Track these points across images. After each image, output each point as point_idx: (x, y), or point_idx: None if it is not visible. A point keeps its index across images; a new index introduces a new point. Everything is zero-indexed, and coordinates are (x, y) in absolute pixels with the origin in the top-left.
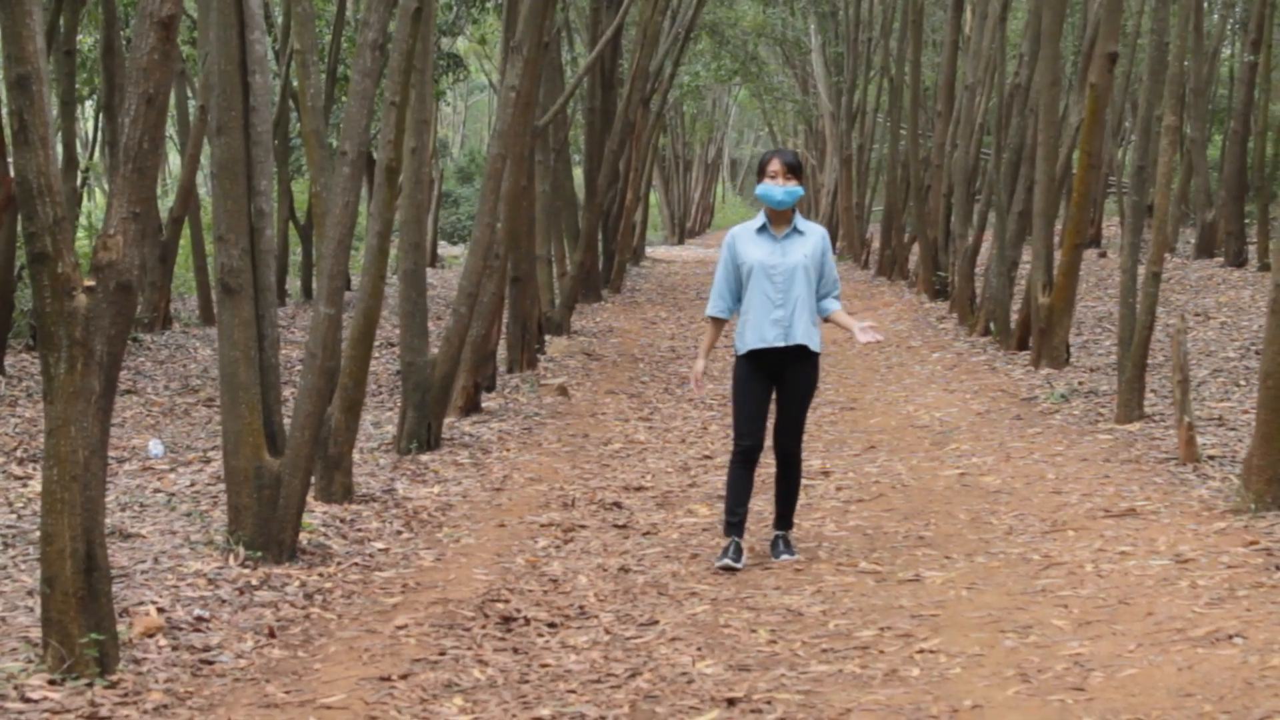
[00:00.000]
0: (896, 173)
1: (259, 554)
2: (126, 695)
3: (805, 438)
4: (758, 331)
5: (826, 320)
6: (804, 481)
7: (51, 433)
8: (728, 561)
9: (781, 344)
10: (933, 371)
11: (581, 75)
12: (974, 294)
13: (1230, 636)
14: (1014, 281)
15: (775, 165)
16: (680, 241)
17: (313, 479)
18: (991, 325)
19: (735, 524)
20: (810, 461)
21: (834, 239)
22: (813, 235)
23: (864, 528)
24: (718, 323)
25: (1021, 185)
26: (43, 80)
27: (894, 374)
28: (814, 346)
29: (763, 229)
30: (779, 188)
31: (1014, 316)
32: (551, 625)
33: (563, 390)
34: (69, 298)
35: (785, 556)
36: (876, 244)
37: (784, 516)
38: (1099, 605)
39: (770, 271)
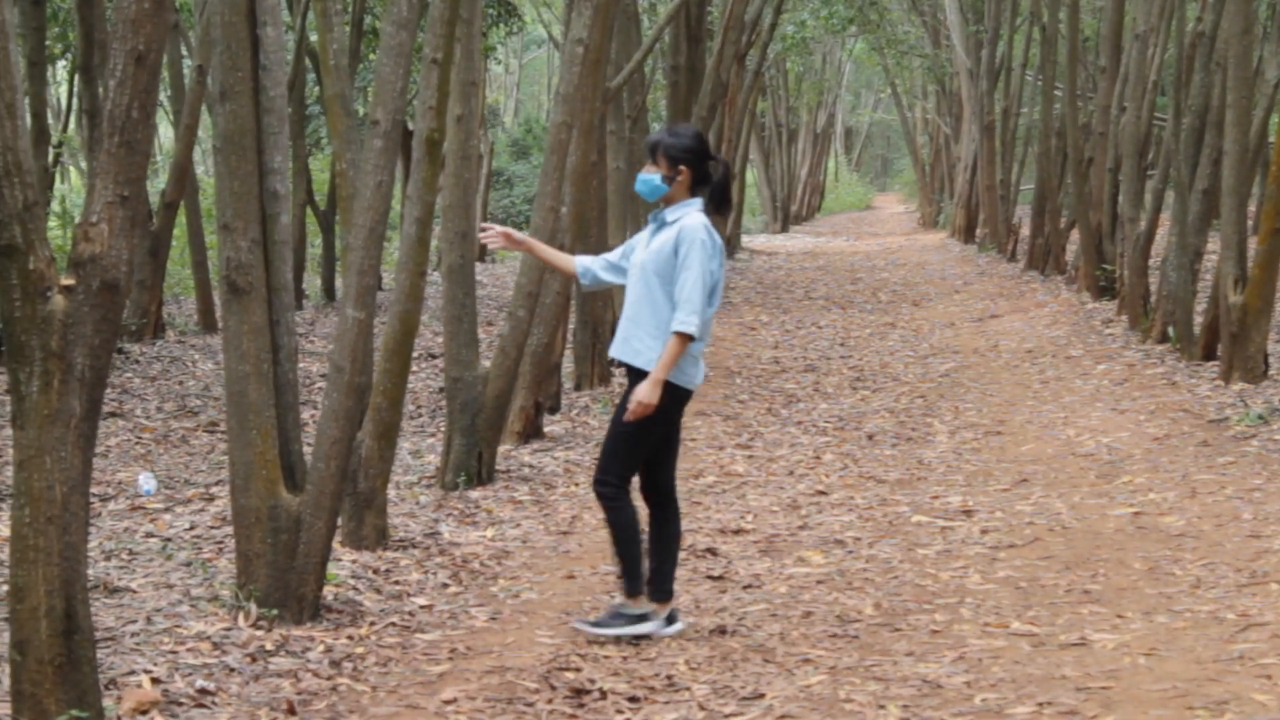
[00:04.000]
0: (1050, 143)
1: (274, 612)
2: None
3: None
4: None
5: None
6: (941, 523)
7: (22, 465)
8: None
9: (615, 354)
10: (1098, 387)
11: (663, 26)
12: (1148, 291)
13: None
14: (1198, 276)
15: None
16: (784, 229)
17: (340, 520)
18: (1170, 330)
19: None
20: (949, 498)
21: (974, 222)
22: (675, 228)
23: (1016, 579)
24: (575, 262)
25: (1207, 157)
26: (8, 35)
27: (1050, 390)
28: (636, 362)
29: (655, 218)
30: (640, 175)
31: (1198, 319)
32: (633, 699)
33: None
34: (43, 300)
35: (585, 624)
36: (1026, 230)
37: (620, 572)
38: None
39: (630, 268)
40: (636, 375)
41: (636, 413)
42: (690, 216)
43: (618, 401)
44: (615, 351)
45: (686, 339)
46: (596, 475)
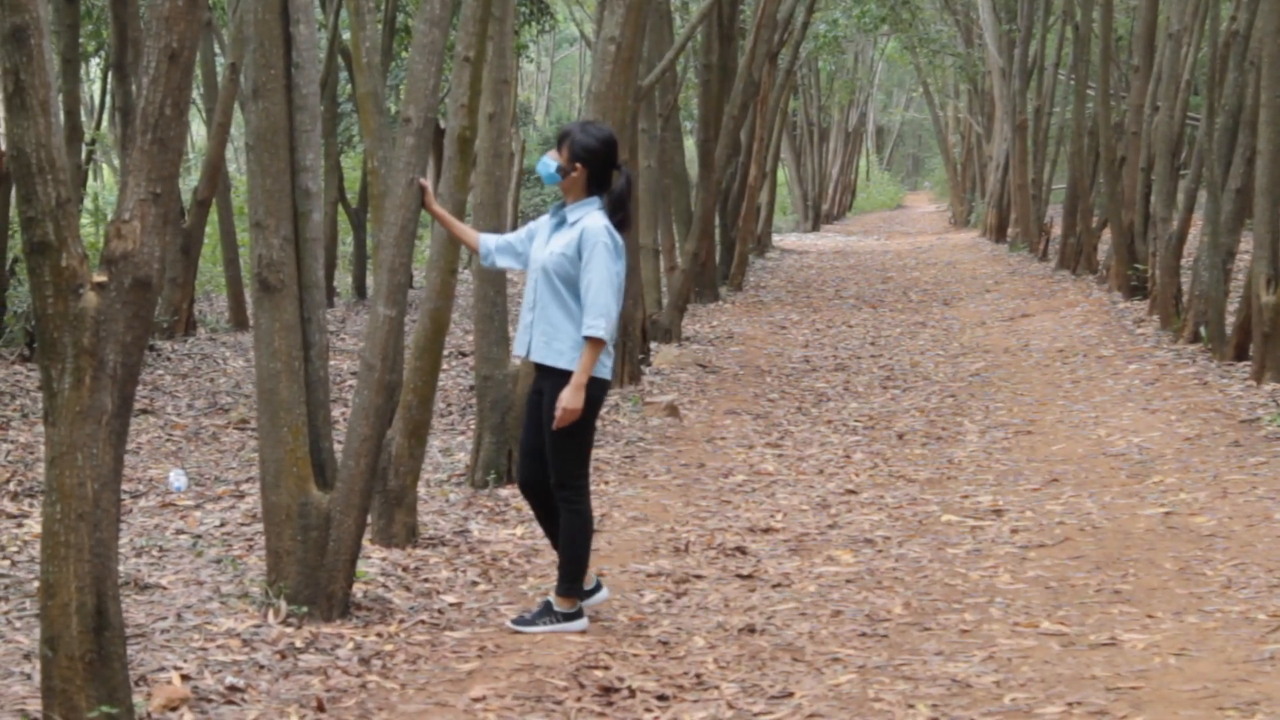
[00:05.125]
0: (1082, 142)
1: (304, 609)
2: None
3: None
4: (517, 332)
5: None
6: (971, 523)
7: (54, 461)
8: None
9: (523, 354)
10: (1129, 387)
11: (695, 24)
12: (1180, 291)
13: None
14: (1230, 276)
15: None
16: (815, 228)
17: (370, 518)
18: (1202, 330)
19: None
20: (979, 498)
21: (1005, 221)
22: (576, 229)
23: (1046, 579)
24: (480, 242)
25: (1240, 156)
26: (42, 32)
27: (1080, 390)
28: (559, 364)
29: (555, 214)
30: (544, 156)
31: (1230, 319)
32: (661, 698)
33: (672, 410)
34: (75, 297)
35: (512, 622)
36: (1058, 230)
37: (559, 573)
38: None
39: (531, 265)
40: (552, 374)
41: (566, 420)
42: (591, 218)
43: (546, 404)
44: (537, 355)
45: (600, 343)
46: (556, 482)
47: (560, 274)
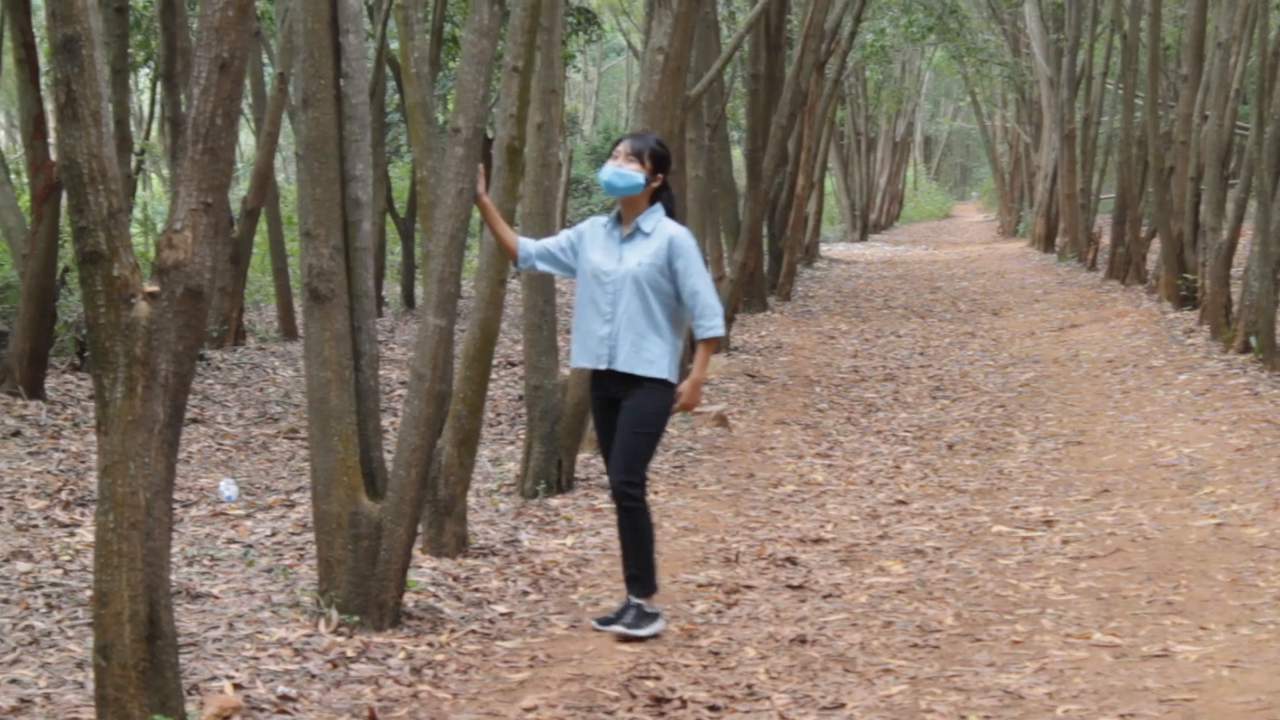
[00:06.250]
0: (1131, 151)
1: (355, 618)
2: None
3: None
4: (584, 345)
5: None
6: (1022, 533)
7: (107, 470)
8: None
9: (604, 367)
10: (1179, 397)
11: (742, 34)
12: (1230, 301)
13: None
14: None
15: (622, 146)
16: (862, 238)
17: (420, 527)
18: (1253, 340)
19: (625, 579)
20: (1030, 508)
21: (1053, 231)
22: (658, 239)
23: (1097, 590)
24: (518, 245)
25: None
26: (94, 43)
27: (1131, 400)
28: (649, 372)
29: (613, 227)
30: (611, 167)
31: None
32: (713, 708)
33: (721, 420)
34: (127, 306)
35: (610, 627)
36: (1106, 240)
37: (631, 577)
38: None
39: (602, 278)
40: (640, 382)
41: (692, 405)
42: (668, 225)
43: (630, 408)
44: (625, 365)
45: (716, 342)
46: (623, 478)
47: (651, 283)
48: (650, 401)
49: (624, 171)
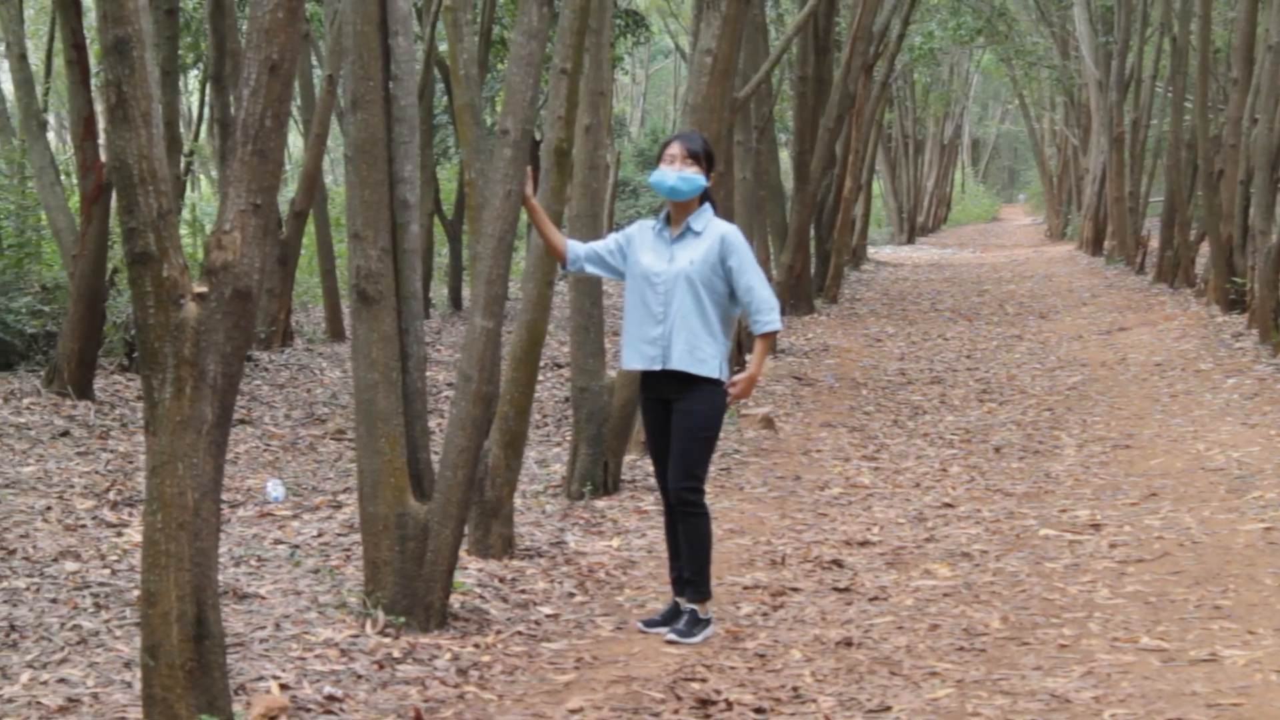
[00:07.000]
0: (1180, 154)
1: (402, 620)
2: None
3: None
4: (635, 348)
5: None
6: (1069, 537)
7: (155, 470)
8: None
9: (658, 367)
10: (1228, 401)
11: (790, 36)
12: (1279, 305)
13: None
14: None
15: (674, 149)
16: (910, 240)
17: (466, 529)
18: None
19: (672, 581)
20: (1077, 512)
21: (1102, 234)
22: (709, 237)
23: (1145, 594)
24: (567, 247)
25: None
26: (145, 45)
27: (1179, 404)
28: (702, 372)
29: (663, 228)
30: (673, 173)
31: None
32: (759, 710)
33: (768, 422)
34: (176, 307)
35: (668, 634)
36: (1155, 243)
37: (686, 581)
38: None
39: (653, 279)
40: (693, 382)
41: (744, 396)
42: (720, 223)
43: (684, 410)
44: (680, 364)
45: (773, 336)
46: (684, 484)
47: (704, 282)
48: (705, 403)
49: (688, 175)
